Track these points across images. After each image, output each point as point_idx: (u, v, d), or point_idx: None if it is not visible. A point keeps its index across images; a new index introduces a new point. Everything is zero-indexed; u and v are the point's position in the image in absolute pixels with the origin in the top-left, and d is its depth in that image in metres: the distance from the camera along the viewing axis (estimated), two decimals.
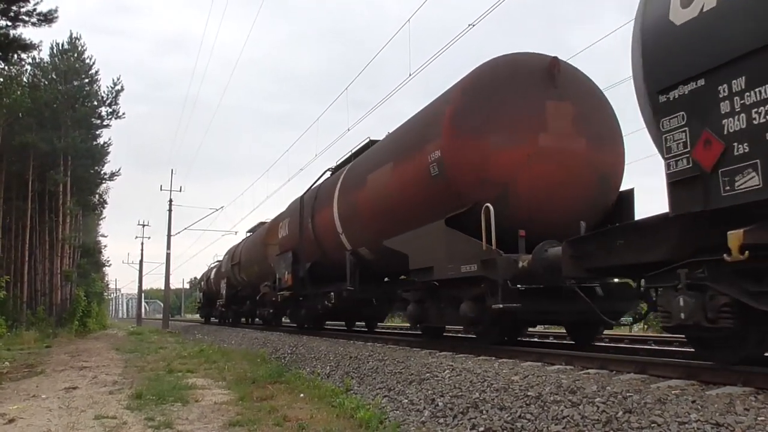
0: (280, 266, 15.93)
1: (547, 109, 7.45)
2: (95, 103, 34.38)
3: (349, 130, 19.01)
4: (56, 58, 33.35)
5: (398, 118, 11.12)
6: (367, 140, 12.42)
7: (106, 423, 5.84)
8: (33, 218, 30.15)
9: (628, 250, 5.10)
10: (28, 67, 28.98)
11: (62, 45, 33.74)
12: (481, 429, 4.81)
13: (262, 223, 23.81)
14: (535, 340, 11.39)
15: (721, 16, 3.99)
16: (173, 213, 41.22)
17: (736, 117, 3.87)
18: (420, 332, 10.80)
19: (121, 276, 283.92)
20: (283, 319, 21.07)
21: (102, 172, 37.95)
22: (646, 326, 18.78)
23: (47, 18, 20.36)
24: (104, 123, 35.16)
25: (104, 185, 40.20)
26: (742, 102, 3.84)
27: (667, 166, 4.41)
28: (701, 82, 4.12)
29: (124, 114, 35.20)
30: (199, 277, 45.70)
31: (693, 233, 4.46)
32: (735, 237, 3.88)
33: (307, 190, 15.02)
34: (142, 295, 65.05)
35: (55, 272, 31.77)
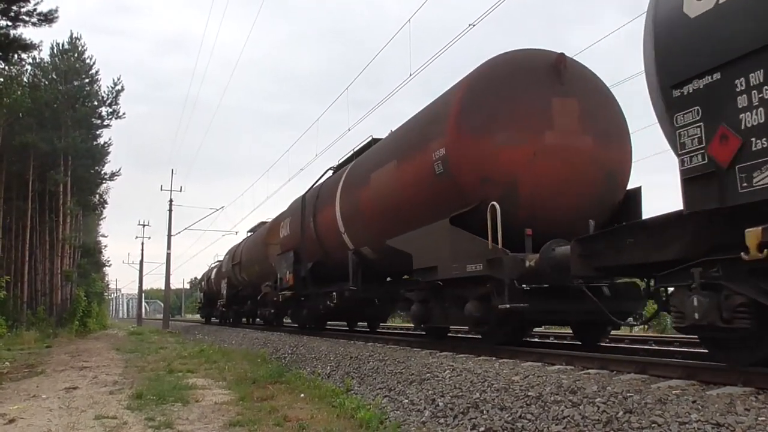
0: (281, 266, 15.86)
1: (554, 106, 7.34)
2: (95, 103, 34.38)
3: (349, 130, 18.98)
4: (56, 58, 33.35)
5: (398, 119, 11.06)
6: (370, 138, 12.30)
7: (107, 423, 5.80)
8: (33, 218, 30.13)
9: (638, 248, 5.01)
10: (29, 67, 29.01)
11: (62, 45, 33.79)
12: (482, 429, 4.79)
13: (263, 223, 23.74)
14: (536, 340, 11.32)
15: (737, 9, 3.90)
16: (173, 213, 41.21)
17: (754, 111, 3.78)
18: (423, 332, 10.66)
19: (121, 276, 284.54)
20: (284, 319, 21.00)
21: (102, 172, 38.00)
22: (646, 326, 18.68)
23: (47, 18, 20.34)
24: (104, 123, 35.23)
25: (104, 185, 40.27)
26: (760, 96, 3.75)
27: (681, 163, 4.31)
28: (717, 75, 4.03)
29: (124, 114, 35.31)
30: (199, 277, 45.71)
31: (708, 231, 4.38)
32: (753, 235, 3.78)
33: (309, 189, 14.93)
34: (143, 295, 65.06)
35: (55, 272, 31.75)
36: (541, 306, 7.05)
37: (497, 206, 6.79)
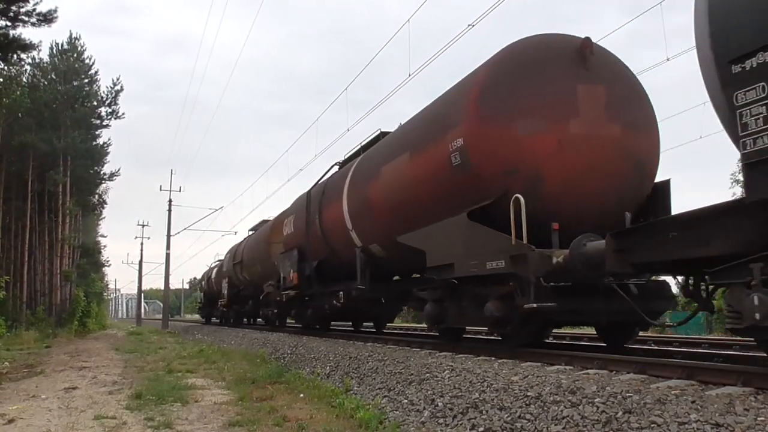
0: (284, 265, 15.50)
1: (579, 93, 6.93)
2: (95, 103, 34.37)
3: (348, 130, 18.94)
4: (56, 58, 33.31)
5: (398, 119, 10.98)
6: (378, 132, 11.84)
7: (106, 423, 5.81)
8: (32, 218, 30.10)
9: (684, 242, 4.55)
10: (28, 67, 28.99)
11: (62, 45, 33.76)
12: (481, 429, 4.79)
13: (265, 221, 23.44)
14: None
15: None
16: (173, 213, 41.28)
17: None
18: (437, 334, 10.11)
19: (120, 276, 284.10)
20: (287, 319, 20.67)
21: (102, 172, 38.01)
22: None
23: (47, 18, 20.34)
24: (104, 123, 35.22)
25: (104, 185, 40.29)
26: None
27: (743, 146, 3.84)
28: None
29: (123, 114, 35.26)
30: (199, 277, 45.68)
31: None
32: None
33: (314, 185, 14.51)
34: (142, 295, 65.01)
35: (54, 272, 31.73)
36: (568, 305, 6.53)
37: (521, 199, 6.38)
